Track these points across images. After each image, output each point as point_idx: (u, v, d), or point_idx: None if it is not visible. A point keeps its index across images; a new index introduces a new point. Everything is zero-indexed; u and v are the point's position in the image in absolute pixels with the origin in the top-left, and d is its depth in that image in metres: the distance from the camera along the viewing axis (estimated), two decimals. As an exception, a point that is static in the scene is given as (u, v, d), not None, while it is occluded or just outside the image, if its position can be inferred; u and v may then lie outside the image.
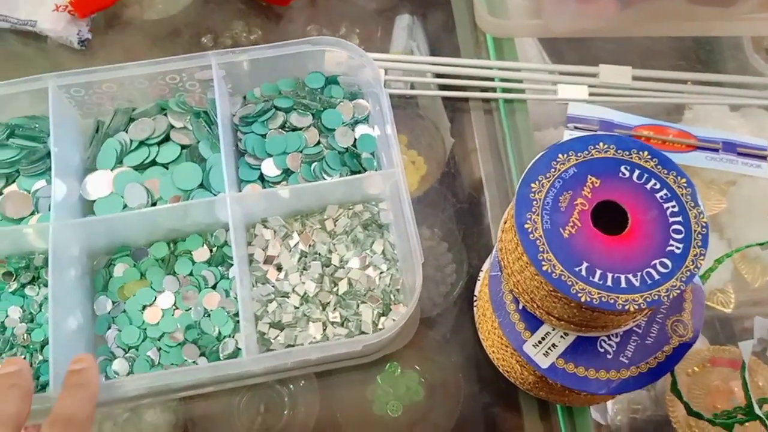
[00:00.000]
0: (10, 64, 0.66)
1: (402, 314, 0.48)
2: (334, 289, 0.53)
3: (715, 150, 0.61)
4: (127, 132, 0.57)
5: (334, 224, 0.55)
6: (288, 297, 0.53)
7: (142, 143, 0.57)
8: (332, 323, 0.52)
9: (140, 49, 0.68)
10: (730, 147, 0.61)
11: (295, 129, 0.58)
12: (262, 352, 0.51)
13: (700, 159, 0.61)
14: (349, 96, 0.59)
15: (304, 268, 0.54)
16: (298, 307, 0.53)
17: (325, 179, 0.55)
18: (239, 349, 0.51)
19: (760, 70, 0.68)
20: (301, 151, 0.56)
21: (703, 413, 0.49)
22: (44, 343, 0.51)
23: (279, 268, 0.54)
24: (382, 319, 0.52)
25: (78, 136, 0.58)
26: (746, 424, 0.49)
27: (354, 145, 0.57)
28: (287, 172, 0.56)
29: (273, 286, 0.53)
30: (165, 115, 0.58)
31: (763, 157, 0.61)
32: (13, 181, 0.56)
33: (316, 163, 0.56)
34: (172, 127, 0.58)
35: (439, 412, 0.55)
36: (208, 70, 0.56)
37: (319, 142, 0.57)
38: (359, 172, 0.56)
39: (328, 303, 0.53)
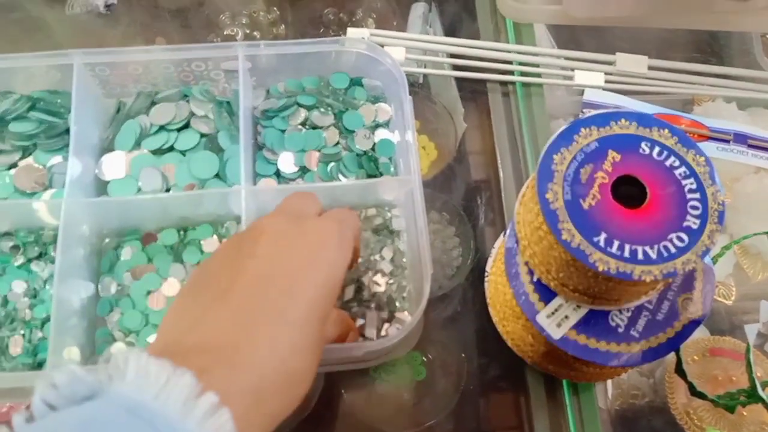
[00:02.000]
0: (31, 31, 0.67)
1: (407, 323, 0.47)
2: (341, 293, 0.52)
3: (727, 141, 0.63)
4: (148, 115, 0.57)
5: (345, 226, 0.55)
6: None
7: (162, 128, 0.57)
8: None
9: (161, 19, 0.68)
10: (741, 138, 0.63)
11: (315, 127, 0.57)
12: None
13: (711, 149, 0.62)
14: (372, 99, 0.59)
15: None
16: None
17: (341, 180, 0.55)
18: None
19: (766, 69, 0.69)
20: (319, 150, 0.56)
21: (708, 394, 0.50)
22: (45, 321, 0.51)
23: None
24: (386, 325, 0.52)
25: (99, 114, 0.58)
26: (746, 407, 0.50)
27: (373, 149, 0.57)
28: (303, 170, 0.56)
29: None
30: (187, 101, 0.58)
31: (773, 150, 0.62)
32: (30, 155, 0.56)
33: (333, 163, 0.56)
34: (193, 114, 0.57)
35: (441, 390, 0.55)
36: (234, 61, 0.55)
37: (338, 143, 0.57)
38: (376, 176, 0.55)
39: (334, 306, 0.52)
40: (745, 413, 0.55)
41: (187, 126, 0.57)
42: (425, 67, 0.66)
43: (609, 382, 0.57)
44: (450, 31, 0.70)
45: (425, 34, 0.68)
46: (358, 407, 0.54)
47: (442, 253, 0.59)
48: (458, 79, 0.66)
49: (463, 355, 0.56)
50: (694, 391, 0.51)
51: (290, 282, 0.34)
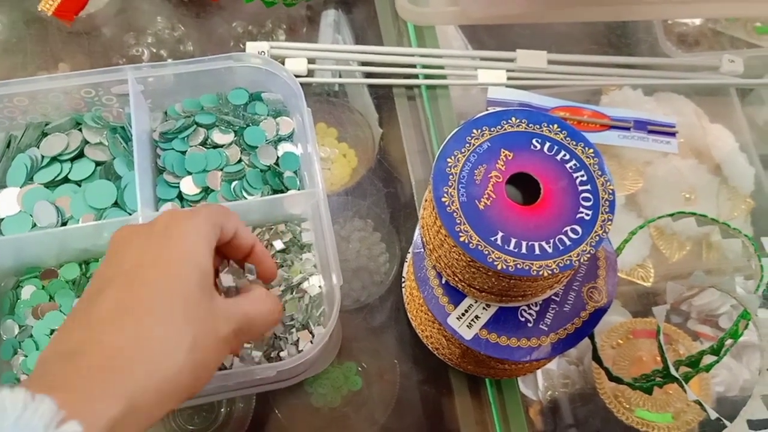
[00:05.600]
0: None
1: (318, 338, 0.46)
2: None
3: (627, 128, 0.64)
4: (39, 147, 0.55)
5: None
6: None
7: (54, 159, 0.55)
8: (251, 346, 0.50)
9: (60, 46, 0.66)
10: (641, 125, 0.65)
11: (216, 146, 0.56)
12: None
13: (613, 137, 0.64)
14: (273, 113, 0.58)
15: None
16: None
17: (245, 198, 0.54)
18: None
19: (669, 55, 0.71)
20: (221, 169, 0.55)
21: (624, 378, 0.51)
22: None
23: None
24: (302, 342, 0.51)
25: (-12, 151, 0.55)
26: (666, 386, 0.52)
27: (276, 164, 0.56)
28: (207, 191, 0.55)
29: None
30: (80, 130, 0.56)
31: (672, 134, 0.64)
32: None
33: (236, 181, 0.55)
34: (87, 142, 0.56)
35: (377, 398, 0.55)
36: (124, 85, 0.53)
37: (240, 160, 0.56)
38: (281, 191, 0.54)
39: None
40: (671, 391, 0.56)
41: (81, 155, 0.55)
42: (340, 76, 0.66)
43: (539, 373, 0.57)
44: (358, 37, 0.70)
45: (336, 41, 0.68)
46: (295, 424, 0.54)
47: (369, 260, 0.59)
48: (370, 85, 0.66)
49: (396, 361, 0.56)
50: (611, 377, 0.52)
51: (131, 281, 0.34)
